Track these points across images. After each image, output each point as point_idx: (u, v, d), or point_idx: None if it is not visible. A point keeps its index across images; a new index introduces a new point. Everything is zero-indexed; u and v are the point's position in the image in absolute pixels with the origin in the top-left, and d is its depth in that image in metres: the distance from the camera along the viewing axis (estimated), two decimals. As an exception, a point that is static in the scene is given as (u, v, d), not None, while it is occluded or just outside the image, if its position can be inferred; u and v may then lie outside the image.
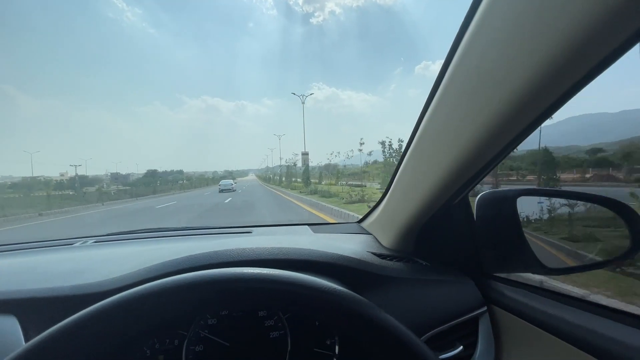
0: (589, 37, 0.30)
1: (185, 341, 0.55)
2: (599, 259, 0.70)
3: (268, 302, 0.41)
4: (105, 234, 1.08)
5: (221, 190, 22.31)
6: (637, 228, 0.53)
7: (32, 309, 0.51)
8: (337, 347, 0.59)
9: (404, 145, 0.68)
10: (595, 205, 0.62)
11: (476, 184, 0.59)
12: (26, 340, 0.47)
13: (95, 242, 0.95)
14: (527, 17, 0.34)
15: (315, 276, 0.49)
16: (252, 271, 0.39)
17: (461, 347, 0.59)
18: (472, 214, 0.67)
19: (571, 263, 0.72)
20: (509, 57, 0.37)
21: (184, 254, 0.61)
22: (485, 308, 0.64)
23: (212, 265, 0.56)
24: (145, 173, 53.81)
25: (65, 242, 0.95)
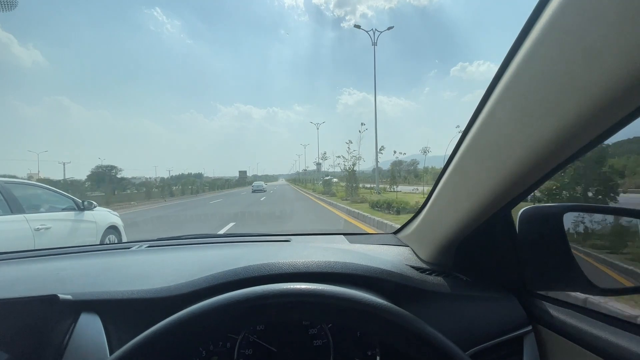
0: None
1: (237, 344, 0.60)
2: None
3: (318, 315, 0.45)
4: (155, 239, 1.18)
5: (254, 191, 26.30)
6: None
7: (112, 309, 0.58)
8: (377, 358, 0.61)
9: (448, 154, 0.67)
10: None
11: (524, 199, 0.58)
12: (107, 336, 0.54)
13: (149, 246, 1.04)
14: (601, 23, 0.31)
15: (357, 289, 0.52)
16: (307, 287, 0.43)
17: None
18: (515, 229, 0.66)
19: (626, 284, 0.68)
20: (570, 72, 0.35)
21: (233, 260, 0.67)
22: (530, 327, 0.62)
23: (267, 276, 0.61)
24: (93, 171, 31.47)
25: (124, 246, 1.05)
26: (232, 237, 1.19)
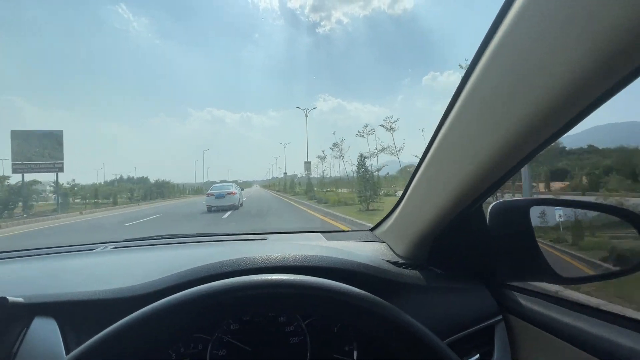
0: (613, 52, 0.30)
1: (209, 345, 0.57)
2: (614, 268, 0.70)
3: (296, 307, 0.43)
4: (122, 239, 1.11)
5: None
6: None
7: (70, 312, 0.53)
8: (355, 353, 0.61)
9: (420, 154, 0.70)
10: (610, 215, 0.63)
11: (494, 193, 0.60)
12: (65, 341, 0.49)
13: (115, 247, 0.98)
14: (551, 33, 0.34)
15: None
16: (288, 277, 0.41)
17: (477, 355, 0.60)
18: (486, 223, 0.68)
19: (586, 272, 0.73)
20: (532, 71, 0.38)
21: (204, 260, 0.63)
22: (500, 316, 0.64)
23: (240, 272, 0.58)
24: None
25: (87, 248, 0.98)
26: (204, 237, 1.15)
